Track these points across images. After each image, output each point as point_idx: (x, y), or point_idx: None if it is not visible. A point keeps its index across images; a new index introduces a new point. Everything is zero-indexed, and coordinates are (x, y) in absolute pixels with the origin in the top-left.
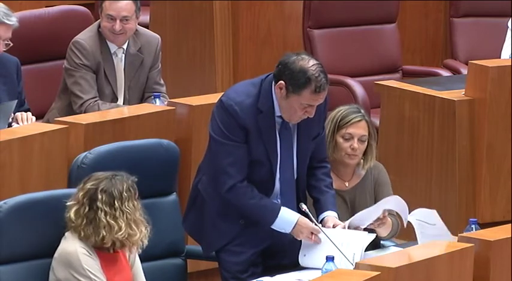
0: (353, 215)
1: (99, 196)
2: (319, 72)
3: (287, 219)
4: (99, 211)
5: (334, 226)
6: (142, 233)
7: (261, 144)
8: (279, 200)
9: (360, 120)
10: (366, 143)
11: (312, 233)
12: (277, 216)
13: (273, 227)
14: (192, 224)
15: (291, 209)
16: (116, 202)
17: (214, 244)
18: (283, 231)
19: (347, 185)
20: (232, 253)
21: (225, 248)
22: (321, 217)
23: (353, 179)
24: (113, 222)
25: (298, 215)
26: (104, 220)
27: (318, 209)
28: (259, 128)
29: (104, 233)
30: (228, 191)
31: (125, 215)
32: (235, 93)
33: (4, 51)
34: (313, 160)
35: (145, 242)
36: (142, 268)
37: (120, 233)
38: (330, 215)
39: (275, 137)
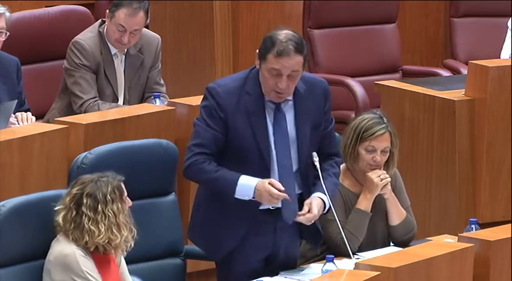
0: (373, 220)
1: (84, 201)
2: (287, 39)
3: (247, 185)
4: (84, 216)
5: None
6: (123, 237)
7: (248, 127)
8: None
9: (384, 133)
10: (388, 153)
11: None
12: (236, 185)
13: (236, 196)
14: (197, 234)
15: (290, 196)
16: (99, 206)
17: (221, 250)
18: (247, 198)
19: None
20: (235, 262)
21: (227, 258)
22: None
23: None
24: (93, 227)
25: (257, 180)
26: (87, 226)
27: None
28: (246, 111)
29: (87, 238)
30: (184, 171)
31: (107, 219)
32: (223, 78)
33: (4, 44)
34: (320, 155)
35: (131, 244)
36: (142, 268)
37: (100, 237)
38: (314, 196)
39: (264, 120)
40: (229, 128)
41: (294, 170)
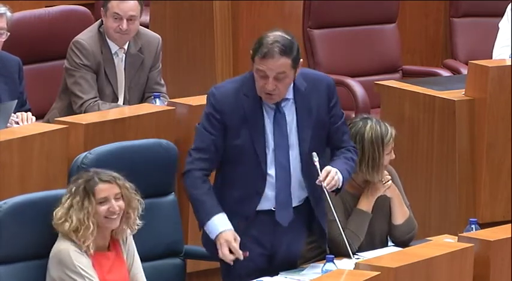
0: (371, 220)
1: (76, 196)
2: (274, 41)
3: (215, 226)
4: (74, 211)
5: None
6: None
7: (245, 128)
8: (273, 190)
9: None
10: None
11: (231, 252)
12: (210, 218)
13: (204, 228)
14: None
15: (285, 196)
16: (84, 200)
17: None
18: (211, 236)
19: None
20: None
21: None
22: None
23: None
24: (84, 221)
25: (229, 227)
26: (76, 220)
27: None
28: (244, 112)
29: (80, 234)
30: (183, 176)
31: (83, 212)
32: (223, 82)
33: (4, 44)
34: (334, 150)
35: (136, 227)
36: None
37: (90, 231)
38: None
39: (261, 121)
40: (227, 129)
41: (298, 170)
